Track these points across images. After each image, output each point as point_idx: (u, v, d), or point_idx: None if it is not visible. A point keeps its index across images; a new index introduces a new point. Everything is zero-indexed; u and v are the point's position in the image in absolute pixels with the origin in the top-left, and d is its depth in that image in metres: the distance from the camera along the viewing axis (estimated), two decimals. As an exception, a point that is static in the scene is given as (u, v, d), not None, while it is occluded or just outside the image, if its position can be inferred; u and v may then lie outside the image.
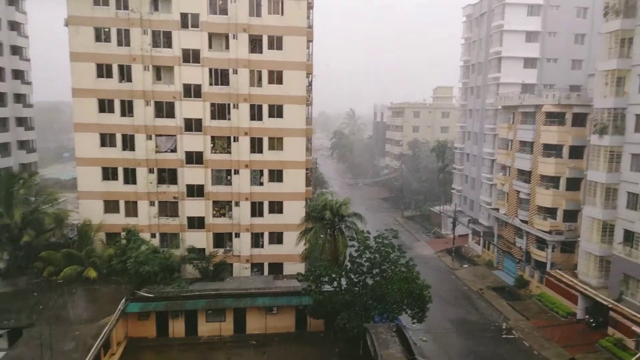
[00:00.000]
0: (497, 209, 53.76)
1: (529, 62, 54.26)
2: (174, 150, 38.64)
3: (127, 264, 34.92)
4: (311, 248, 37.52)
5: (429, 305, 31.78)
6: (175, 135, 38.47)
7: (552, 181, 44.66)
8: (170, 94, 37.94)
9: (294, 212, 39.02)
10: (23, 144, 54.25)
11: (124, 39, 37.03)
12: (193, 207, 39.14)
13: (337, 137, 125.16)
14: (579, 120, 43.69)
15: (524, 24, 53.27)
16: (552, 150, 44.49)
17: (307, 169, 40.96)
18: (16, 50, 53.27)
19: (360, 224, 36.41)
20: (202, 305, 35.07)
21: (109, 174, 38.36)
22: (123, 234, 37.26)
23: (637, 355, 29.43)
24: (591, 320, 37.78)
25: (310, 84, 42.07)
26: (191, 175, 38.80)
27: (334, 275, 32.47)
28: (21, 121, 53.95)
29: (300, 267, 38.45)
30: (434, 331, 37.63)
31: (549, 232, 44.39)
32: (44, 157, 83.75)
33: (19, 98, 53.83)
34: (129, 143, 38.16)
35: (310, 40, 40.32)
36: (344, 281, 32.89)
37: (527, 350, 35.37)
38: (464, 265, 55.30)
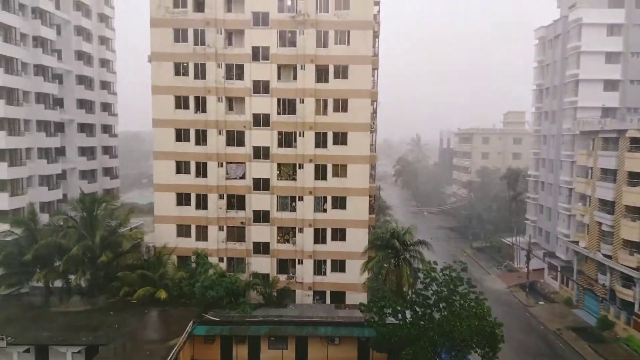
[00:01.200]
0: (577, 242, 49.83)
1: (610, 85, 50.90)
2: (242, 177, 39.99)
3: (194, 287, 36.14)
4: (374, 277, 36.70)
5: (501, 344, 29.68)
6: (244, 163, 39.86)
7: (638, 213, 40.81)
8: (241, 124, 39.55)
9: (357, 240, 38.62)
10: (107, 171, 58.90)
11: (200, 72, 39.39)
12: (259, 233, 39.99)
13: (401, 164, 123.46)
14: (671, 146, 39.92)
15: (604, 44, 50.26)
16: (638, 179, 40.84)
17: (370, 197, 40.60)
18: (105, 85, 58.56)
19: (427, 253, 35.22)
20: (264, 331, 35.24)
21: (182, 199, 40.35)
22: (193, 257, 38.75)
23: None
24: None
25: (374, 111, 42.19)
26: (258, 201, 39.82)
27: (398, 307, 31.40)
28: (107, 150, 58.76)
29: (362, 297, 37.72)
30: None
31: (637, 269, 40.27)
32: (125, 183, 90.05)
33: (106, 128, 58.78)
34: (201, 170, 40.04)
35: (375, 68, 40.64)
36: (408, 314, 31.67)
37: (615, 402, 31.80)
38: (540, 303, 51.41)
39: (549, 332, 43.61)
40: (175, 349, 30.26)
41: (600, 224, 45.47)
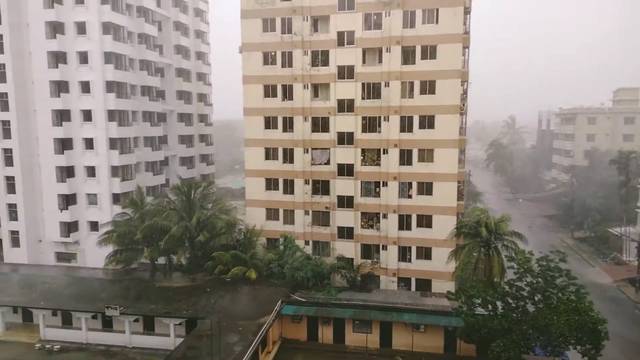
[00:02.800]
0: None
1: None
2: (327, 163, 40.55)
3: (284, 268, 37.67)
4: (463, 266, 35.37)
5: (605, 342, 27.16)
6: (328, 149, 40.36)
7: None
8: (326, 110, 39.98)
9: (444, 227, 37.42)
10: (204, 158, 62.95)
11: (287, 60, 40.38)
12: (343, 218, 40.43)
13: (494, 148, 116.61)
14: None
15: None
16: None
17: (459, 182, 39.04)
18: (201, 77, 62.30)
19: (520, 244, 33.11)
20: (349, 315, 35.75)
21: (271, 184, 42.08)
22: (281, 239, 40.37)
23: None
24: None
25: (465, 92, 40.25)
26: (342, 186, 40.19)
27: (488, 298, 30.01)
28: (203, 138, 62.73)
29: (449, 286, 36.62)
30: (613, 375, 32.06)
31: None
32: (219, 169, 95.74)
33: (202, 118, 62.70)
34: (288, 156, 41.30)
35: (466, 47, 38.70)
36: (499, 305, 30.16)
37: None
38: (655, 300, 46.10)
39: (666, 334, 39.06)
40: (265, 326, 31.92)
41: None
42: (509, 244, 33.55)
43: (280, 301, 35.64)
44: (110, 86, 44.37)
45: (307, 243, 41.19)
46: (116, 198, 45.05)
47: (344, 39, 39.11)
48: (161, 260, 42.66)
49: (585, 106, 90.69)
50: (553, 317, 26.91)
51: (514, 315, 29.59)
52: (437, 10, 37.13)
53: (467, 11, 38.51)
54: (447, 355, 35.15)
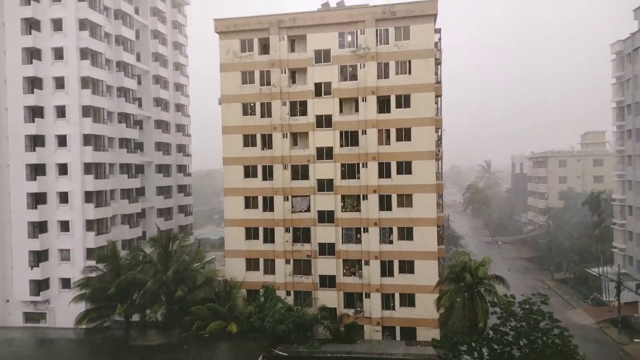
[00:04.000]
0: (678, 272, 44.57)
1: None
2: (307, 210, 40.52)
3: (265, 321, 36.49)
4: (447, 313, 34.95)
5: (594, 387, 26.81)
6: (308, 196, 40.50)
7: None
8: (305, 158, 40.48)
9: (426, 273, 37.35)
10: (182, 209, 62.13)
11: (266, 111, 41.21)
12: (325, 266, 39.99)
13: (471, 192, 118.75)
14: None
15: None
16: None
17: (438, 226, 39.37)
18: (180, 128, 62.67)
19: (502, 288, 33.08)
20: (333, 368, 34.54)
21: (251, 233, 41.62)
22: (262, 291, 39.36)
23: None
24: None
25: (439, 138, 41.46)
26: (323, 233, 40.04)
27: (473, 344, 29.56)
28: (181, 188, 62.21)
29: (434, 333, 36.01)
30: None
31: None
32: (198, 219, 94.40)
33: (181, 168, 62.48)
34: (268, 205, 41.17)
35: (438, 95, 40.22)
36: (485, 351, 29.68)
37: None
38: (635, 340, 46.02)
39: (652, 375, 38.75)
40: (245, 383, 30.43)
41: None
42: (491, 288, 33.51)
43: (261, 357, 34.28)
44: (88, 139, 44.11)
45: (288, 293, 40.32)
46: (91, 252, 43.61)
47: (321, 89, 40.35)
48: (136, 317, 40.86)
49: (555, 150, 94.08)
50: (539, 361, 26.60)
51: (501, 361, 29.12)
52: (410, 62, 38.86)
53: (437, 62, 40.41)
54: (435, 407, 33.96)
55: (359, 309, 39.41)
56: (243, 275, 40.92)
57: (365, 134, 39.32)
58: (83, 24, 44.00)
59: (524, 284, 62.04)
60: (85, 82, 44.21)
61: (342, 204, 40.03)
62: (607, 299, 56.14)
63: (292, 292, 40.47)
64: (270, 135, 41.15)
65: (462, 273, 33.20)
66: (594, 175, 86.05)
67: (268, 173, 41.24)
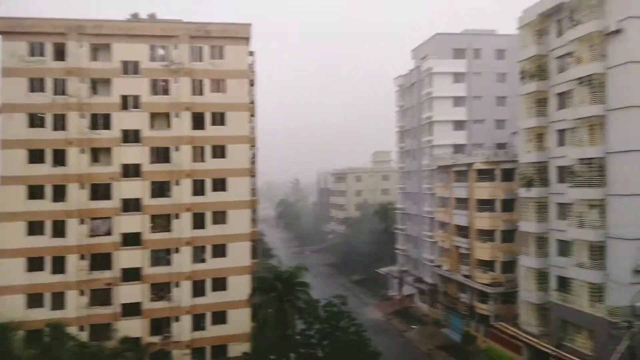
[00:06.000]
0: (440, 266, 55.10)
1: (458, 125, 58.18)
2: (108, 234, 37.11)
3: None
4: (260, 325, 36.25)
5: (381, 371, 31.23)
6: (110, 217, 37.19)
7: (488, 235, 46.83)
8: (107, 175, 37.18)
9: (239, 288, 37.94)
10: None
11: (60, 123, 36.53)
12: (129, 293, 37.03)
13: (282, 207, 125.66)
14: (508, 175, 46.58)
15: (451, 90, 57.65)
16: (485, 205, 47.09)
17: (253, 241, 40.56)
18: None
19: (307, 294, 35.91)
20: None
21: (34, 264, 35.83)
22: (47, 330, 33.99)
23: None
24: (538, 370, 38.51)
25: (254, 156, 42.85)
26: (127, 258, 37.15)
27: (282, 352, 31.31)
28: None
29: (246, 347, 36.69)
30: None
31: (490, 285, 45.86)
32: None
33: None
34: (59, 229, 36.29)
35: (252, 115, 41.67)
36: (292, 357, 31.74)
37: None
38: (413, 326, 55.23)
39: (422, 354, 47.03)
40: None
41: (458, 247, 51.14)
42: (301, 294, 36.09)
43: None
44: None
45: (82, 329, 35.82)
46: None
47: (128, 102, 37.82)
48: None
49: (353, 166, 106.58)
50: (339, 358, 29.68)
51: (307, 363, 31.52)
52: (224, 80, 39.45)
53: (251, 83, 42.02)
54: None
55: (167, 334, 37.47)
56: (23, 314, 34.71)
57: (179, 150, 38.27)
58: None
59: (327, 287, 68.25)
60: None
61: (151, 224, 37.89)
62: (393, 293, 65.86)
63: (87, 327, 36.05)
64: (63, 151, 36.55)
65: (273, 283, 34.93)
66: (383, 188, 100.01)
67: (59, 193, 36.45)
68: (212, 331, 38.23)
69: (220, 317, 38.46)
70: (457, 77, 57.98)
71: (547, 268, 39.24)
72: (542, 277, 39.79)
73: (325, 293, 53.26)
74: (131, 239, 37.30)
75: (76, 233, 36.25)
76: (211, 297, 38.36)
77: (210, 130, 39.10)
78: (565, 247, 37.17)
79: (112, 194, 37.20)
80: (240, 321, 36.76)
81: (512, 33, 49.43)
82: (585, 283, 34.78)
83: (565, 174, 37.26)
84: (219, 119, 39.36)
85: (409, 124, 66.42)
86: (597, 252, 33.68)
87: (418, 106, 63.03)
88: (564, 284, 37.27)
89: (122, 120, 37.55)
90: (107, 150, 37.56)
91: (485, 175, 47.30)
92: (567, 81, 36.02)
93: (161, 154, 38.25)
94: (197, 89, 39.01)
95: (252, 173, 40.95)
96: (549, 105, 39.55)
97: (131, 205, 37.47)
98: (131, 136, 37.75)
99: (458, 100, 58.04)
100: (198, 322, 38.19)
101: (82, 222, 36.48)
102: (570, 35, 35.47)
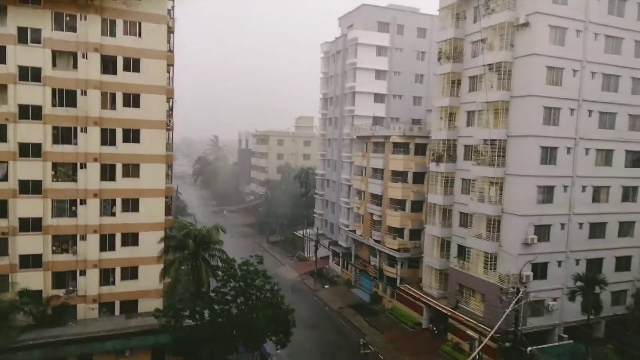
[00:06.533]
0: (354, 231, 57.54)
1: (379, 98, 59.97)
2: (4, 180, 33.56)
3: None
4: (173, 282, 35.46)
5: (293, 329, 32.25)
6: (7, 162, 33.52)
7: (399, 204, 49.53)
8: (2, 115, 33.17)
9: (152, 244, 36.51)
10: None
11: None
12: (27, 244, 34.13)
13: (201, 164, 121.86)
14: (421, 149, 49.42)
15: (374, 63, 58.92)
16: (399, 176, 49.54)
17: (167, 197, 38.99)
18: None
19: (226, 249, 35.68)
20: (37, 356, 30.40)
21: None
22: None
23: (472, 356, 33.71)
24: (434, 329, 42.24)
25: (171, 109, 40.56)
26: (26, 207, 33.99)
27: (197, 308, 31.06)
28: None
29: (157, 303, 35.87)
30: (298, 355, 38.22)
31: (398, 250, 48.92)
32: None
33: None
34: (-58, 171, 32.14)
35: (170, 64, 39.13)
36: (206, 313, 31.64)
37: (382, 363, 37.99)
38: (326, 286, 57.60)
39: (333, 312, 49.40)
40: None
41: (372, 214, 53.49)
42: (216, 252, 35.76)
43: None
44: None
45: (-26, 279, 32.82)
46: None
47: (27, 36, 33.51)
48: None
49: (275, 130, 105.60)
50: (253, 315, 30.12)
51: (220, 320, 31.63)
52: (140, 23, 36.22)
53: (170, 30, 39.20)
54: (155, 375, 34.29)
55: (71, 288, 35.41)
56: None
57: (86, 94, 35.01)
58: None
59: (244, 247, 68.30)
60: None
61: (53, 172, 34.79)
62: (309, 255, 67.75)
63: (-20, 278, 33.10)
64: (-52, 81, 31.91)
65: (185, 240, 34.14)
66: (304, 153, 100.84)
67: (-56, 130, 32.07)
68: (122, 286, 36.66)
69: (131, 273, 36.93)
70: (381, 50, 59.16)
71: (449, 237, 42.54)
72: (444, 245, 43.14)
73: (243, 252, 53.29)
74: (31, 187, 34.05)
75: (-36, 177, 32.33)
76: (121, 252, 36.56)
77: (123, 77, 36.06)
78: (466, 219, 40.44)
79: (7, 136, 33.36)
80: (152, 277, 35.60)
81: (434, 14, 51.13)
82: (482, 252, 38.32)
83: (470, 152, 40.07)
84: (132, 65, 36.38)
85: (333, 91, 66.88)
86: (494, 225, 37.03)
87: (342, 75, 63.52)
88: (463, 252, 40.75)
89: (20, 55, 33.33)
90: (2, 88, 33.35)
91: (400, 148, 49.48)
92: (479, 66, 38.20)
93: (66, 97, 34.73)
94: (109, 29, 35.54)
95: (168, 126, 38.86)
96: (461, 87, 41.84)
97: (30, 151, 33.98)
98: (30, 74, 33.73)
99: (380, 74, 59.41)
100: (107, 277, 36.36)
101: (-29, 164, 32.53)
102: (485, 23, 37.44)
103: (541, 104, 35.41)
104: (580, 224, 37.59)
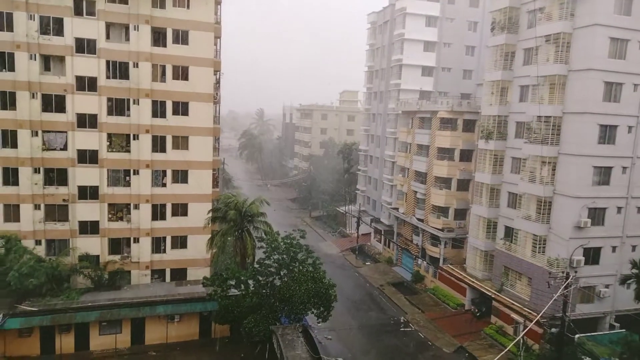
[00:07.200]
0: (397, 209, 56.91)
1: (426, 71, 57.93)
2: (64, 149, 35.39)
3: (7, 276, 31.12)
4: (219, 251, 36.60)
5: (334, 303, 32.66)
6: (66, 132, 35.26)
7: (444, 182, 48.36)
8: (61, 87, 34.72)
9: (200, 215, 37.77)
10: None
11: (5, 22, 33.14)
12: (86, 211, 36.14)
13: (246, 137, 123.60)
14: (469, 126, 47.65)
15: (423, 34, 56.65)
16: (445, 153, 48.16)
17: (214, 170, 39.94)
18: None
19: (267, 224, 36.36)
20: (94, 317, 32.51)
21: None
22: (1, 242, 33.17)
23: (516, 339, 33.04)
24: (476, 310, 41.57)
25: (218, 82, 41.11)
26: (84, 175, 35.82)
27: (242, 278, 32.01)
28: None
29: (205, 272, 37.35)
30: (339, 329, 38.77)
31: (442, 230, 48.01)
32: None
33: None
34: (10, 139, 34.19)
35: (217, 37, 39.42)
36: (251, 284, 32.57)
37: (422, 342, 37.94)
38: (367, 263, 57.76)
39: (374, 289, 49.53)
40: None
41: (415, 192, 52.63)
42: (260, 225, 36.50)
43: (1, 315, 29.58)
44: None
45: (38, 243, 35.17)
46: None
47: (82, 7, 34.57)
48: None
49: (319, 104, 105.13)
50: (295, 287, 30.67)
51: (264, 291, 32.50)
52: (189, -3, 36.66)
53: (217, 2, 39.29)
54: (201, 340, 35.87)
55: (126, 254, 37.44)
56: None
57: (138, 67, 35.95)
58: None
59: (287, 221, 69.44)
60: None
61: (108, 143, 36.31)
62: (350, 231, 67.97)
63: (43, 241, 35.42)
64: (12, 54, 33.57)
65: (227, 212, 34.96)
66: (348, 128, 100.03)
67: (9, 101, 33.93)
68: (172, 255, 38.33)
69: (180, 242, 38.47)
70: (430, 20, 56.74)
71: (496, 218, 41.25)
72: (490, 226, 41.92)
73: (286, 227, 54.31)
74: (88, 157, 35.78)
75: (29, 145, 34.29)
76: (171, 222, 38.05)
77: (172, 49, 36.71)
78: (515, 200, 38.98)
79: (66, 107, 34.97)
80: (200, 247, 36.95)
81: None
82: (530, 234, 36.97)
83: (523, 129, 38.24)
84: (181, 37, 36.93)
85: (378, 64, 65.27)
86: (544, 206, 35.51)
87: (389, 46, 61.67)
88: (510, 233, 39.48)
89: (76, 27, 34.49)
90: (60, 59, 34.78)
91: (447, 124, 47.89)
92: (535, 37, 35.89)
93: (119, 69, 35.84)
94: (159, 1, 36.09)
95: (215, 99, 39.41)
96: (515, 60, 39.65)
97: (87, 121, 35.54)
98: (86, 46, 34.95)
99: (428, 45, 57.17)
100: (158, 245, 38.08)
101: (34, 134, 34.42)
102: (543, -10, 34.94)
103: (602, 79, 33.07)
104: (639, 208, 35.42)
